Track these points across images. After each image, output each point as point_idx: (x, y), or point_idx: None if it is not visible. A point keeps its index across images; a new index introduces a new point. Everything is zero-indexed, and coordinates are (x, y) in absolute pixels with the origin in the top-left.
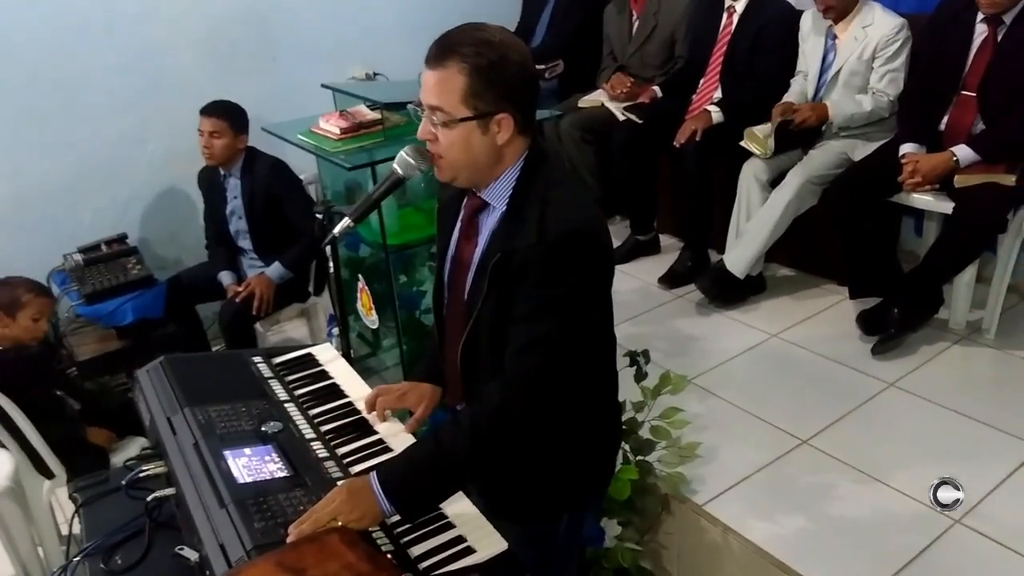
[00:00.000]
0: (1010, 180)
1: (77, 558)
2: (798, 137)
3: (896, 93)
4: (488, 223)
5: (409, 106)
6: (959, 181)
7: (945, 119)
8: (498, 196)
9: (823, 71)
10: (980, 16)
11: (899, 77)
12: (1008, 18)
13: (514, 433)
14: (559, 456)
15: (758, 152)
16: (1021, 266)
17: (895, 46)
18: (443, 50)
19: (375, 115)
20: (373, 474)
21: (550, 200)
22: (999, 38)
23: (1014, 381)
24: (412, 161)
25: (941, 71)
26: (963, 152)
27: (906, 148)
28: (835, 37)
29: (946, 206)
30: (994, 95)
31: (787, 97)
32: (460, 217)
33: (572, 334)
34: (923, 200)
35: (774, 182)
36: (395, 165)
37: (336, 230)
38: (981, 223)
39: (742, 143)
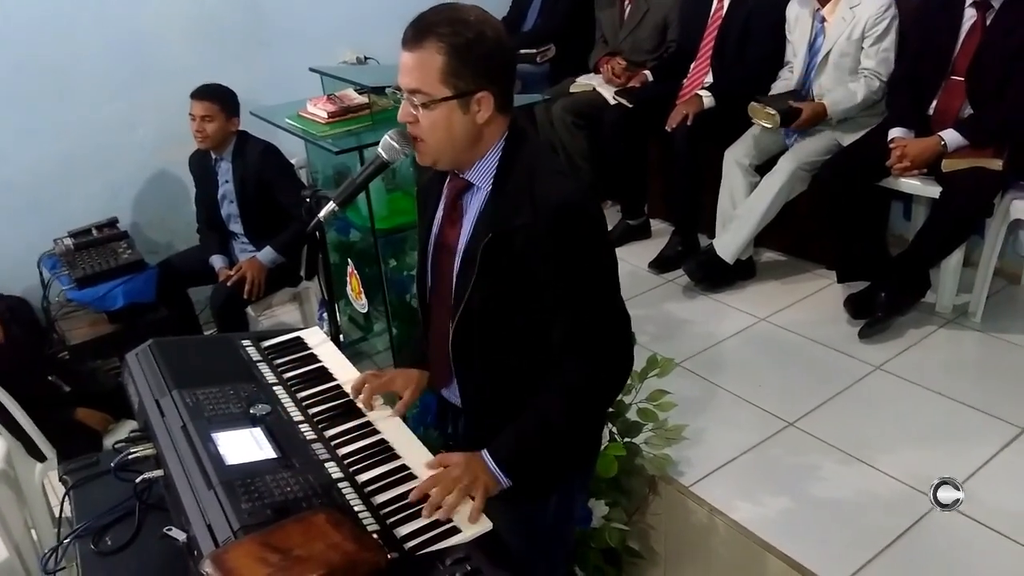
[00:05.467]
0: (997, 164)
1: (67, 540)
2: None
3: (888, 73)
4: (473, 205)
5: (388, 89)
6: (947, 165)
7: (934, 104)
8: (482, 176)
9: (812, 55)
10: (969, 1)
11: (890, 57)
12: (996, 2)
13: (604, 402)
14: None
15: (767, 125)
16: (1007, 250)
17: (884, 24)
18: (419, 31)
19: (363, 99)
20: (485, 451)
21: (536, 175)
22: (988, 23)
23: (999, 364)
24: (396, 145)
25: (930, 56)
26: (951, 136)
27: (895, 133)
28: (823, 20)
29: (934, 190)
30: (982, 80)
31: (774, 91)
32: (443, 200)
33: (611, 295)
34: (911, 184)
35: (759, 168)
36: (379, 149)
37: (321, 214)
38: (968, 207)
39: (750, 115)
